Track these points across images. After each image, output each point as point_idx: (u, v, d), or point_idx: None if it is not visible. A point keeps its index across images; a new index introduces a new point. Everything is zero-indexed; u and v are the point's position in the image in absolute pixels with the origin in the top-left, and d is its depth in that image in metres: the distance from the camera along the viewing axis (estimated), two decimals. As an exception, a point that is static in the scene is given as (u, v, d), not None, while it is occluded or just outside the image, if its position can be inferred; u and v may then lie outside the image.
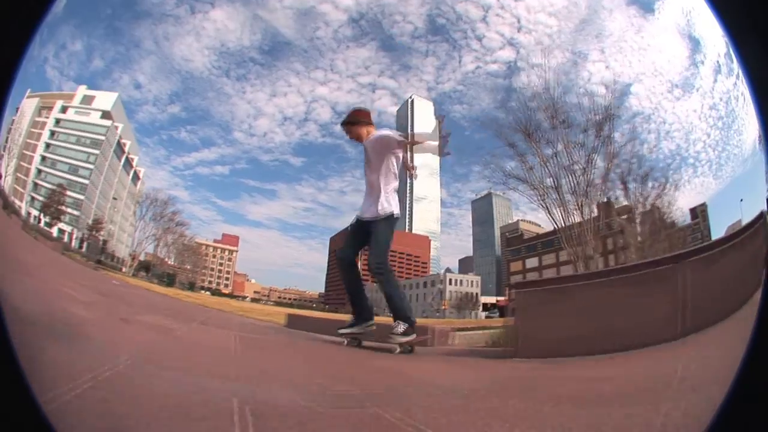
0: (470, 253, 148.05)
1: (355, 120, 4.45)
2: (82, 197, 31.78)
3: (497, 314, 56.48)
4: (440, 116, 4.37)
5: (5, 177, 21.79)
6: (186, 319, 5.08)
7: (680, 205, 13.41)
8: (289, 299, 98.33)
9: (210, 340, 3.64)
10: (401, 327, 3.87)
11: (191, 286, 48.72)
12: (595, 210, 13.03)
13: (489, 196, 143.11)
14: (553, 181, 13.50)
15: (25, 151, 27.74)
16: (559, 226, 13.38)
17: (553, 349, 2.90)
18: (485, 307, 66.88)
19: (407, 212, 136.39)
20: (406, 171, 4.56)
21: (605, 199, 13.32)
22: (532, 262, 54.33)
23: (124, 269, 33.49)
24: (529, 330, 3.31)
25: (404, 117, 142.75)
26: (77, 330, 2.21)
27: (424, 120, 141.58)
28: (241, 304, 27.28)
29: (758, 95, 0.98)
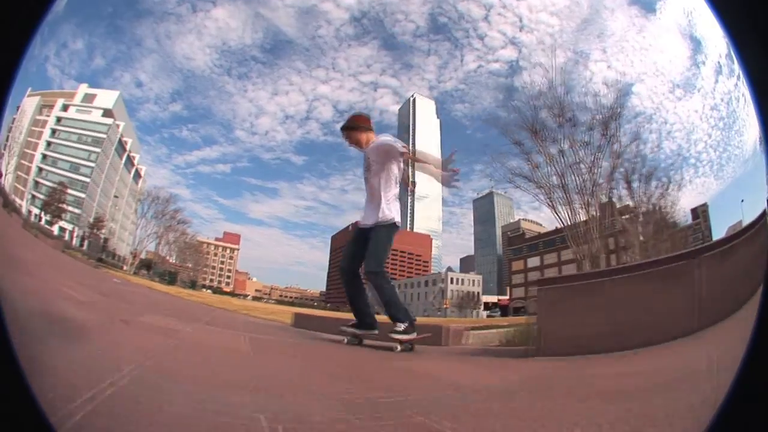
0: (471, 252, 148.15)
1: (355, 125, 4.35)
2: (83, 195, 31.88)
3: (499, 313, 56.59)
4: (454, 150, 4.30)
5: (6, 175, 21.82)
6: (191, 319, 4.78)
7: (682, 205, 13.36)
8: (291, 298, 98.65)
9: (219, 342, 3.38)
10: (402, 325, 3.84)
11: (193, 285, 48.83)
12: (602, 209, 13.00)
13: (490, 195, 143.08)
14: (560, 180, 13.48)
15: (26, 150, 27.84)
16: (565, 224, 13.34)
17: (576, 347, 2.88)
18: (487, 306, 66.96)
19: (408, 211, 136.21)
20: (405, 185, 4.49)
21: (611, 198, 13.29)
22: (533, 261, 54.34)
23: (125, 267, 33.55)
24: (551, 327, 3.27)
25: (406, 116, 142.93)
26: (76, 334, 2.07)
27: (426, 119, 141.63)
28: (243, 302, 27.27)
29: (758, 96, 0.98)
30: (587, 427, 1.42)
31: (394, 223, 4.13)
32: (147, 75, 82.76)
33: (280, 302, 73.94)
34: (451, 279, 69.52)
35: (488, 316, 55.11)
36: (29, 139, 28.63)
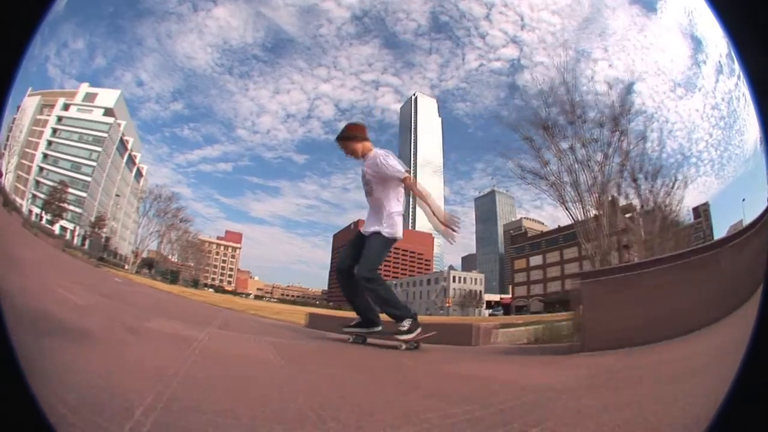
0: (473, 250, 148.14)
1: (351, 135, 4.27)
2: (84, 194, 31.93)
3: (501, 312, 56.49)
4: (458, 219, 4.26)
5: (6, 175, 21.86)
6: (201, 323, 4.55)
7: (684, 204, 13.34)
8: (293, 296, 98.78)
9: (243, 352, 2.97)
10: (406, 323, 3.81)
11: (195, 284, 48.88)
12: (612, 205, 13.01)
13: (492, 193, 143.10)
14: (570, 177, 13.46)
15: (26, 149, 27.89)
16: (577, 221, 13.30)
17: (620, 340, 2.87)
18: (489, 304, 66.89)
19: (410, 210, 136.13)
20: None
21: (620, 195, 13.31)
22: (536, 259, 54.26)
23: (126, 266, 33.59)
24: (597, 321, 3.23)
25: (408, 114, 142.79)
26: (74, 351, 1.80)
27: (428, 117, 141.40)
28: (248, 301, 27.25)
29: (758, 96, 0.98)
30: (681, 418, 1.42)
31: (394, 238, 4.11)
32: (148, 74, 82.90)
33: (282, 301, 74.04)
34: (454, 277, 69.50)
35: (491, 315, 54.99)
36: (30, 138, 28.68)
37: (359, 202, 4.54)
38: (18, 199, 24.54)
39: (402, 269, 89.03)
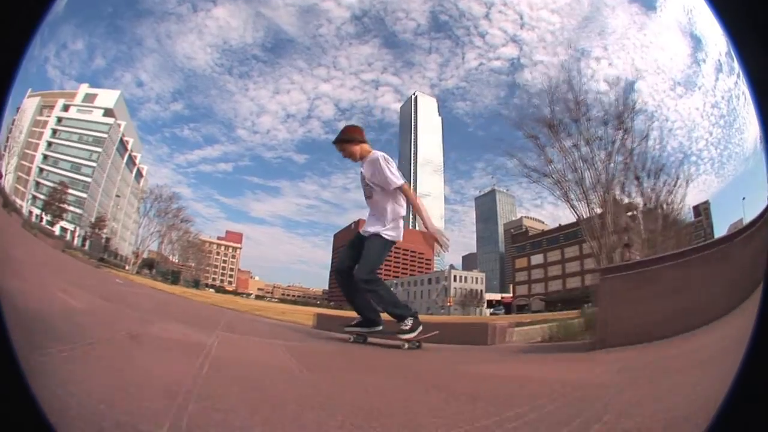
0: (474, 249, 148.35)
1: (348, 138, 4.27)
2: (84, 195, 31.92)
3: (502, 311, 56.47)
4: (447, 248, 4.28)
5: (6, 176, 21.82)
6: (207, 326, 4.43)
7: (685, 202, 13.38)
8: (294, 296, 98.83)
9: (257, 358, 2.78)
10: (408, 323, 3.81)
11: (196, 284, 48.84)
12: (616, 203, 13.04)
13: (492, 192, 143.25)
14: (575, 174, 13.47)
15: (26, 150, 27.88)
16: (582, 218, 13.32)
17: (641, 334, 2.85)
18: (490, 303, 66.90)
19: (411, 209, 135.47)
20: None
21: (624, 193, 13.34)
22: (537, 258, 54.28)
23: (127, 267, 33.55)
24: (619, 316, 3.21)
25: (408, 114, 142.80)
26: (74, 352, 1.69)
27: (428, 117, 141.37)
28: (251, 302, 27.21)
29: (758, 94, 0.98)
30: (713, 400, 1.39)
31: (393, 240, 4.11)
32: (148, 75, 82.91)
33: (283, 301, 74.06)
34: (455, 277, 69.50)
35: (492, 314, 54.98)
36: (30, 139, 28.67)
37: (359, 201, 4.59)
38: (18, 201, 24.52)
39: (403, 268, 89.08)
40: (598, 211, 12.81)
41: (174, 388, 1.43)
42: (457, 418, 1.46)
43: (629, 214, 13.48)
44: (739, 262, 2.63)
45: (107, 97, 36.40)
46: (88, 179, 32.39)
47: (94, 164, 32.69)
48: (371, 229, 4.12)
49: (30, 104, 28.36)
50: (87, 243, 31.21)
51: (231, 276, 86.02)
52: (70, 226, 29.58)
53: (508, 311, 55.06)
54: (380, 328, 4.12)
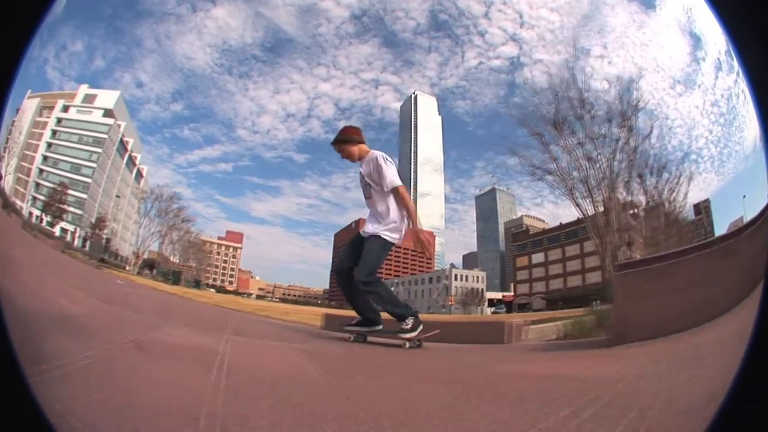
0: (474, 248, 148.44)
1: (347, 138, 4.31)
2: (84, 196, 31.90)
3: (504, 310, 56.46)
4: (433, 254, 4.29)
5: (5, 177, 21.81)
6: (214, 329, 4.30)
7: (682, 201, 13.41)
8: (294, 296, 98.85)
9: (277, 366, 2.54)
10: (409, 322, 3.88)
11: (197, 284, 48.79)
12: (620, 201, 13.09)
13: (493, 191, 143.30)
14: (581, 173, 13.52)
15: (26, 152, 27.87)
16: (587, 215, 13.36)
17: (658, 328, 2.90)
18: (491, 302, 66.84)
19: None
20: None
21: (629, 191, 13.38)
22: (538, 257, 54.21)
23: (128, 267, 33.54)
24: (637, 312, 3.24)
25: (408, 113, 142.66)
26: (72, 383, 1.48)
27: (428, 116, 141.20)
28: (251, 301, 27.26)
29: (757, 93, 0.99)
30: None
31: (393, 242, 4.12)
32: (147, 75, 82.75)
33: (284, 300, 74.09)
34: (455, 276, 69.37)
35: (493, 313, 54.96)
36: (29, 140, 28.65)
37: (360, 201, 4.57)
38: (18, 202, 24.52)
39: (404, 268, 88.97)
40: (603, 208, 12.86)
41: (193, 410, 1.29)
42: (520, 422, 1.42)
43: (631, 212, 13.50)
44: (744, 257, 2.64)
45: (107, 97, 36.38)
46: (88, 180, 32.37)
47: (94, 165, 32.68)
48: (371, 229, 4.12)
49: (29, 105, 28.37)
50: (87, 244, 31.20)
51: (232, 276, 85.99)
52: (70, 227, 29.57)
53: (509, 310, 55.02)
54: (380, 327, 4.15)
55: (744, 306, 2.22)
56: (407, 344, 3.80)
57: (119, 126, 36.10)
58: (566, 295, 42.98)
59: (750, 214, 2.67)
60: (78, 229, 30.55)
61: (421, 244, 4.14)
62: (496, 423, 1.40)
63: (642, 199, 13.30)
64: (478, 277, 72.58)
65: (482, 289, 69.79)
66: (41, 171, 29.02)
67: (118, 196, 37.00)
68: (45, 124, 30.29)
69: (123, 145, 37.57)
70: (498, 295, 71.35)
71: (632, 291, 3.34)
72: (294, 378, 2.18)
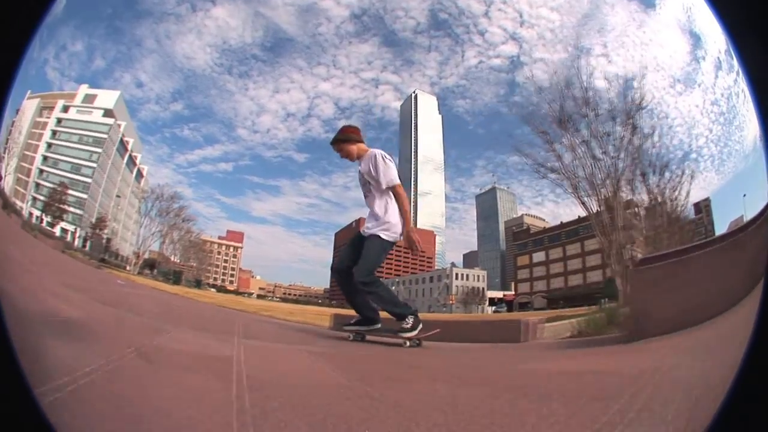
0: (474, 247, 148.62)
1: (345, 137, 4.33)
2: (84, 196, 31.88)
3: (505, 309, 56.46)
4: (422, 255, 4.30)
5: (5, 177, 21.80)
6: (222, 332, 4.09)
7: (685, 199, 13.45)
8: (295, 295, 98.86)
9: (297, 374, 2.33)
10: (409, 321, 3.88)
11: (198, 284, 48.82)
12: (625, 199, 13.17)
13: (493, 190, 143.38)
14: (586, 171, 13.57)
15: (26, 152, 27.83)
16: (592, 213, 13.42)
17: (675, 322, 2.90)
18: (492, 301, 66.84)
19: (412, 207, 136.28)
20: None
21: (633, 190, 13.42)
22: (539, 256, 54.16)
23: (128, 267, 33.54)
24: (653, 307, 3.26)
25: (408, 112, 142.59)
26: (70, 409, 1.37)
27: (428, 115, 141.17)
28: (254, 301, 27.23)
29: (757, 92, 0.99)
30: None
31: (393, 241, 4.13)
32: (147, 75, 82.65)
33: (284, 300, 74.10)
34: (456, 275, 69.33)
35: (494, 312, 54.96)
36: (29, 141, 28.61)
37: (360, 200, 4.55)
38: (18, 202, 24.49)
39: (404, 267, 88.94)
40: (608, 206, 12.90)
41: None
42: (580, 420, 1.39)
43: (634, 210, 13.52)
44: (749, 253, 2.66)
45: (107, 97, 36.34)
46: (89, 180, 32.34)
47: (94, 165, 32.65)
48: (371, 228, 4.12)
49: (29, 106, 28.32)
50: (87, 244, 31.18)
51: (232, 275, 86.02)
52: (70, 227, 29.55)
53: (510, 309, 55.03)
54: (378, 325, 4.17)
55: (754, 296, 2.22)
56: (407, 343, 3.80)
57: (119, 126, 36.06)
58: (567, 294, 42.95)
59: (750, 213, 2.69)
60: (78, 229, 30.53)
61: (409, 242, 4.17)
62: (559, 424, 1.37)
63: (645, 198, 13.33)
64: (478, 276, 72.56)
65: (483, 288, 69.78)
66: (41, 171, 28.98)
67: (118, 196, 36.97)
68: (45, 124, 30.24)
69: (123, 144, 37.53)
70: (499, 294, 71.37)
71: (652, 286, 3.34)
72: (322, 387, 1.97)
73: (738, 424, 0.94)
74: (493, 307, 61.63)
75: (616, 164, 13.33)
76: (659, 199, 13.22)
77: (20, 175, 26.50)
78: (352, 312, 4.38)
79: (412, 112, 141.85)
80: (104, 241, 33.90)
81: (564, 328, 5.01)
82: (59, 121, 31.40)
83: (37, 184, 28.25)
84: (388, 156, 4.15)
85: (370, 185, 4.16)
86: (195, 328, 4.22)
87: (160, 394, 1.48)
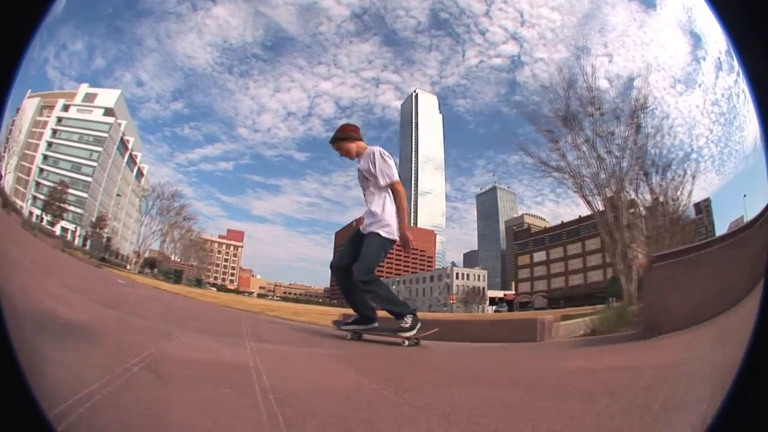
0: (475, 247, 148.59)
1: (344, 135, 4.32)
2: (85, 195, 31.87)
3: (506, 308, 56.48)
4: (415, 252, 4.25)
5: (6, 176, 21.79)
6: (232, 336, 3.88)
7: (687, 199, 13.47)
8: (295, 294, 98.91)
9: (330, 384, 2.11)
10: (408, 320, 3.86)
11: (198, 283, 48.81)
12: (630, 198, 13.18)
13: (494, 190, 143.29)
14: (590, 170, 13.60)
15: (26, 151, 27.81)
16: (597, 212, 13.44)
17: (689, 318, 2.89)
18: (492, 301, 66.86)
19: (412, 206, 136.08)
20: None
21: (637, 189, 13.44)
22: (539, 255, 54.16)
23: (128, 266, 33.54)
24: (671, 303, 3.24)
25: (408, 111, 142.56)
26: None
27: (429, 114, 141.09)
28: (256, 301, 27.07)
29: (757, 93, 0.99)
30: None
31: (392, 239, 4.10)
32: (148, 74, 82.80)
33: (285, 299, 74.10)
34: (457, 274, 69.36)
35: (495, 311, 54.97)
36: (30, 140, 28.58)
37: (360, 199, 4.55)
38: (18, 201, 24.49)
39: (405, 266, 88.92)
40: (613, 206, 12.91)
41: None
42: (629, 415, 1.38)
43: (638, 209, 13.54)
44: (754, 249, 2.68)
45: (107, 96, 36.30)
46: (89, 179, 32.33)
47: (94, 164, 32.63)
48: (370, 226, 4.10)
49: (30, 105, 28.27)
50: (88, 242, 31.18)
51: (233, 275, 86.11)
52: (70, 226, 29.54)
53: (510, 308, 55.06)
54: (376, 324, 4.15)
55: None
56: (406, 342, 3.79)
57: (120, 125, 36.02)
58: (568, 294, 42.96)
59: (750, 214, 2.69)
60: (78, 228, 30.54)
61: (402, 240, 4.16)
62: (615, 419, 1.37)
63: (648, 197, 13.34)
64: (479, 276, 72.59)
65: (483, 288, 69.81)
66: (41, 170, 28.96)
67: (118, 195, 36.97)
68: (45, 123, 30.22)
69: (123, 143, 37.51)
70: (499, 294, 71.41)
71: (668, 282, 3.35)
72: (356, 398, 1.71)
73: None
74: (494, 307, 61.67)
75: (620, 163, 13.34)
76: (662, 199, 13.23)
77: (20, 174, 26.50)
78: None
79: (413, 111, 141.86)
80: (104, 240, 33.90)
81: (577, 326, 4.98)
82: (60, 120, 31.39)
83: (38, 183, 28.25)
84: (387, 153, 4.14)
85: (369, 182, 4.15)
86: (202, 332, 3.94)
87: (178, 418, 1.25)
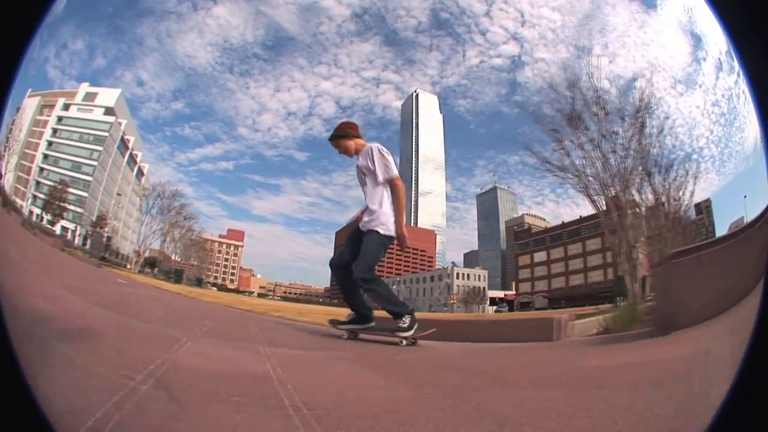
0: (475, 247, 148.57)
1: (343, 133, 4.32)
2: (85, 194, 31.86)
3: (506, 308, 56.48)
4: (414, 250, 4.23)
5: (6, 175, 21.80)
6: (243, 340, 3.62)
7: (688, 199, 13.50)
8: (295, 294, 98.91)
9: (363, 394, 1.85)
10: (406, 320, 3.85)
11: (199, 283, 48.83)
12: (633, 198, 13.22)
13: (494, 190, 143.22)
14: (596, 168, 13.64)
15: (26, 150, 27.76)
16: (601, 211, 13.50)
17: (700, 314, 2.91)
18: (493, 301, 66.87)
19: (412, 206, 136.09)
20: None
21: (640, 189, 13.48)
22: (540, 255, 54.16)
23: (129, 266, 33.55)
24: (688, 299, 3.26)
25: (409, 111, 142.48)
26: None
27: (429, 114, 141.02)
28: (258, 300, 27.00)
29: (758, 93, 1.00)
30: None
31: (391, 236, 4.08)
32: (148, 74, 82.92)
33: (285, 299, 74.15)
34: (457, 274, 69.35)
35: (496, 311, 54.98)
36: (30, 139, 28.54)
37: (361, 199, 4.55)
38: (18, 200, 24.49)
39: (405, 266, 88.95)
40: (617, 205, 12.94)
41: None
42: (685, 408, 1.40)
43: (639, 209, 13.58)
44: (756, 248, 2.69)
45: (108, 95, 36.28)
46: (89, 178, 32.32)
47: (95, 163, 32.61)
48: (369, 223, 4.08)
49: (30, 104, 28.23)
50: (88, 242, 31.18)
51: (233, 274, 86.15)
52: (70, 225, 29.52)
53: (511, 309, 55.09)
54: (373, 324, 4.13)
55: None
56: (403, 342, 3.78)
57: (120, 124, 36.00)
58: (569, 294, 42.98)
59: (750, 215, 2.70)
60: (78, 227, 30.52)
61: (398, 238, 4.13)
62: (669, 410, 1.41)
63: (650, 197, 13.37)
64: (479, 276, 72.59)
65: (484, 288, 69.81)
66: (42, 169, 28.93)
67: (119, 194, 36.97)
68: (46, 122, 30.20)
69: (124, 143, 37.51)
70: (500, 294, 71.41)
71: (686, 278, 3.36)
72: (397, 408, 1.52)
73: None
74: (495, 307, 61.69)
75: (624, 163, 13.38)
76: (664, 199, 13.27)
77: (21, 173, 26.48)
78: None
79: (413, 111, 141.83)
80: (105, 239, 33.89)
81: (590, 325, 4.96)
82: (60, 119, 31.36)
83: (38, 182, 28.21)
84: (385, 149, 4.12)
85: (367, 179, 4.14)
86: (211, 336, 3.54)
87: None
